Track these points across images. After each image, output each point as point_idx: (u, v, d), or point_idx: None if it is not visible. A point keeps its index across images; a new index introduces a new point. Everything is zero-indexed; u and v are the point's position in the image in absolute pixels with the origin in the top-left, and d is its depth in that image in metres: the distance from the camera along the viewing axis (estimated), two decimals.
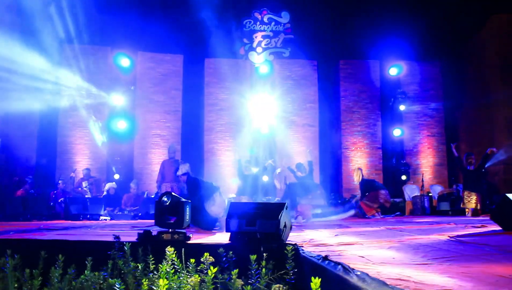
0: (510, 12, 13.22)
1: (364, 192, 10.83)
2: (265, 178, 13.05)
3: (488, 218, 5.96)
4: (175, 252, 3.46)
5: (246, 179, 10.61)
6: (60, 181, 11.96)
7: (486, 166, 11.27)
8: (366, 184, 10.99)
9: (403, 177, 14.21)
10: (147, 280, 3.43)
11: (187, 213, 4.25)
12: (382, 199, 10.63)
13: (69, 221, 9.77)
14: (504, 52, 13.29)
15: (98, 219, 10.70)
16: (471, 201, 10.06)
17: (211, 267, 3.14)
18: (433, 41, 14.11)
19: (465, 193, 10.23)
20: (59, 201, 11.37)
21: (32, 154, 12.99)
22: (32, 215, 10.60)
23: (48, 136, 13.23)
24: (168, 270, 3.33)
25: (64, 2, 12.09)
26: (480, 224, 6.27)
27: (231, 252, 3.32)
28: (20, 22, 11.78)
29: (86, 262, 3.48)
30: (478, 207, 9.98)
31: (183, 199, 4.29)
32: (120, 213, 11.39)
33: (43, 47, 12.27)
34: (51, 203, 11.38)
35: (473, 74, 14.45)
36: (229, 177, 12.87)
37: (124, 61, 13.91)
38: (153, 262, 3.54)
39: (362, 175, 10.97)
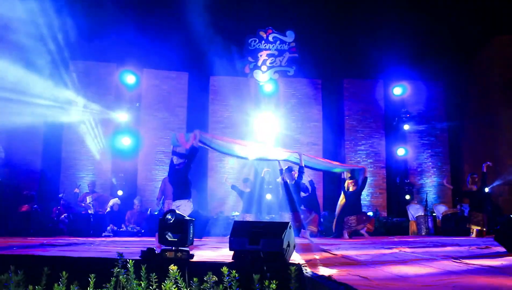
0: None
1: None
2: (269, 197, 13.03)
3: (492, 239, 5.94)
4: (178, 270, 3.46)
5: (247, 197, 10.64)
6: (61, 195, 11.93)
7: (491, 185, 11.32)
8: None
9: (407, 197, 14.14)
10: None
11: (191, 231, 4.25)
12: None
13: (72, 237, 9.77)
14: (507, 73, 13.33)
15: (101, 236, 10.68)
16: (478, 221, 10.03)
17: (214, 286, 3.14)
18: (437, 61, 14.15)
19: (472, 213, 10.21)
20: (62, 217, 11.36)
21: (36, 169, 13.02)
22: (35, 230, 10.58)
23: (53, 151, 13.26)
24: (171, 288, 3.33)
25: (70, 19, 12.20)
26: (484, 245, 6.23)
27: (234, 271, 3.32)
28: (24, 38, 11.87)
29: (89, 279, 3.48)
30: (484, 227, 9.95)
31: (187, 217, 4.30)
32: (124, 229, 11.37)
33: (48, 63, 12.37)
34: (55, 219, 11.36)
35: (477, 94, 14.48)
36: (232, 195, 12.80)
37: (130, 78, 13.98)
38: (156, 280, 3.53)
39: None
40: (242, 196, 10.78)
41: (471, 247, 6.12)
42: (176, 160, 7.57)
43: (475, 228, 10.03)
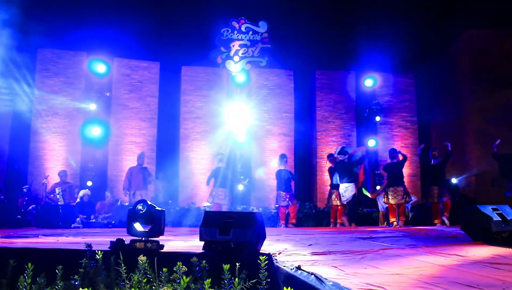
0: (481, 27, 13.57)
1: None
2: (241, 187, 13.04)
3: (459, 228, 6.07)
4: (148, 261, 3.43)
5: (220, 172, 11.12)
6: (25, 188, 11.71)
7: (459, 176, 11.71)
8: None
9: (377, 188, 14.31)
10: (119, 289, 3.39)
11: (163, 222, 4.21)
12: None
13: (40, 229, 9.59)
14: (475, 66, 13.61)
15: (70, 227, 10.52)
16: (433, 195, 10.35)
17: (184, 277, 3.12)
18: (408, 53, 14.33)
19: (430, 188, 10.57)
20: (30, 208, 11.15)
21: (4, 159, 12.73)
22: (1, 222, 10.34)
23: (21, 141, 12.96)
24: (140, 279, 3.30)
25: (39, 7, 11.90)
26: (451, 235, 6.37)
27: (204, 261, 3.31)
28: None
29: (57, 271, 3.42)
30: (438, 201, 10.30)
31: (159, 208, 4.25)
32: (94, 220, 11.22)
33: (15, 51, 12.07)
34: (22, 210, 11.14)
35: (446, 86, 14.73)
36: (205, 185, 12.70)
37: (100, 67, 13.73)
38: (125, 271, 3.50)
39: None
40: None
41: (438, 236, 6.24)
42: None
43: (431, 201, 10.45)
